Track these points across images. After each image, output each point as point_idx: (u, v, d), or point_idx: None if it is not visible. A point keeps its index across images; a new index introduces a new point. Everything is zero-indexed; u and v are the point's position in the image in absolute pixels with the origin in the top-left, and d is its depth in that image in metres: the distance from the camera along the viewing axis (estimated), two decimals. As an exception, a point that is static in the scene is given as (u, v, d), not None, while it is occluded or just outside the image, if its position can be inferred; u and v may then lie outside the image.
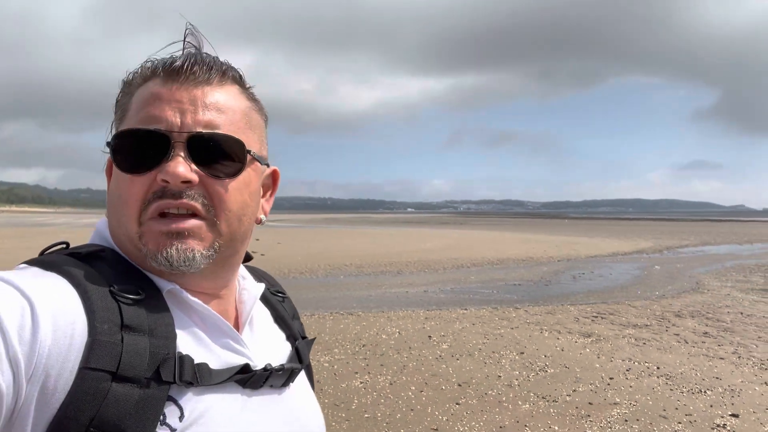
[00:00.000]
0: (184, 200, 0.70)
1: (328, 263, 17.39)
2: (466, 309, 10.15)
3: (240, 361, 0.74)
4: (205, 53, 0.77)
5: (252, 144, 0.76)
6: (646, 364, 6.51)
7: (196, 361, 0.69)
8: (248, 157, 0.75)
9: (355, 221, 78.54)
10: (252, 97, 0.80)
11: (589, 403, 5.21)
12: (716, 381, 5.94)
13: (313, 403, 0.88)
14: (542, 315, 9.58)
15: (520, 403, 5.20)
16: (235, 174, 0.73)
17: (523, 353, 6.94)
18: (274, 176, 0.86)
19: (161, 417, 0.64)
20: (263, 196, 0.84)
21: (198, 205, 0.70)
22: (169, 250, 0.69)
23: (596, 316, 9.48)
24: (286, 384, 0.81)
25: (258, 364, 0.76)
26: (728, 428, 4.68)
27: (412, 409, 5.01)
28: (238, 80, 0.78)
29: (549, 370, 6.21)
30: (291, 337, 0.90)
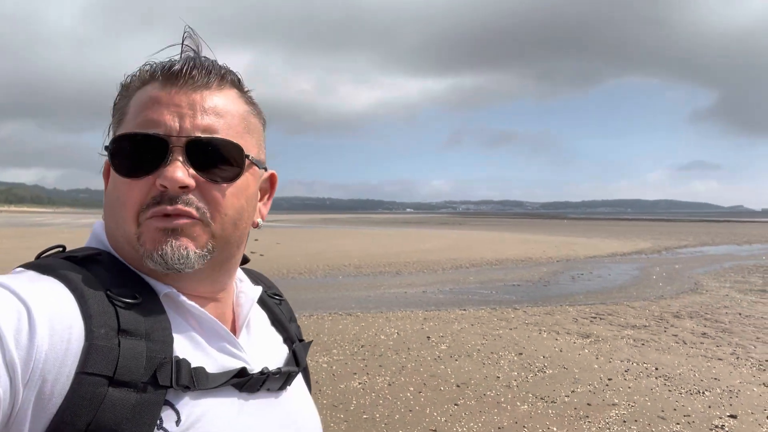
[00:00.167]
0: (179, 206, 0.70)
1: (327, 264, 17.39)
2: (464, 309, 10.15)
3: (237, 364, 0.74)
4: (204, 57, 0.77)
5: (250, 148, 0.76)
6: (645, 365, 6.52)
7: (193, 365, 0.69)
8: (246, 161, 0.75)
9: (353, 221, 78.55)
10: (250, 101, 0.80)
11: (588, 403, 5.21)
12: (714, 382, 5.94)
13: (310, 406, 0.88)
14: (541, 316, 9.59)
15: (518, 403, 5.20)
16: (233, 179, 0.73)
17: (521, 354, 6.94)
18: (271, 180, 0.86)
19: (158, 421, 0.64)
20: (261, 199, 0.84)
21: (192, 210, 0.71)
22: (164, 247, 0.69)
23: (595, 317, 9.49)
24: (283, 387, 0.81)
25: (255, 368, 0.76)
26: (726, 429, 4.69)
27: (410, 410, 5.01)
28: (237, 84, 0.78)
29: (547, 371, 6.22)
30: (288, 339, 0.89)
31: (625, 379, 5.96)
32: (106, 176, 0.79)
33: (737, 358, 6.95)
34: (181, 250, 0.70)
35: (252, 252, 18.22)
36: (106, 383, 0.61)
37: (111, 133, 0.77)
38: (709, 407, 5.18)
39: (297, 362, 0.85)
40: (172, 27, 0.80)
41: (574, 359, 6.74)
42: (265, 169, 0.82)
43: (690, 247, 28.80)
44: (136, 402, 0.62)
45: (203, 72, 0.74)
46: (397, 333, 8.02)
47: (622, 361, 6.66)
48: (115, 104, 0.78)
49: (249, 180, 0.76)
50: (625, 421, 4.79)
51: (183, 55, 0.76)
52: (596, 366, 6.46)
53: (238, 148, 0.73)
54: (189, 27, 0.78)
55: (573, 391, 5.54)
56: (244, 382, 0.74)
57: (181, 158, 0.70)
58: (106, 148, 0.74)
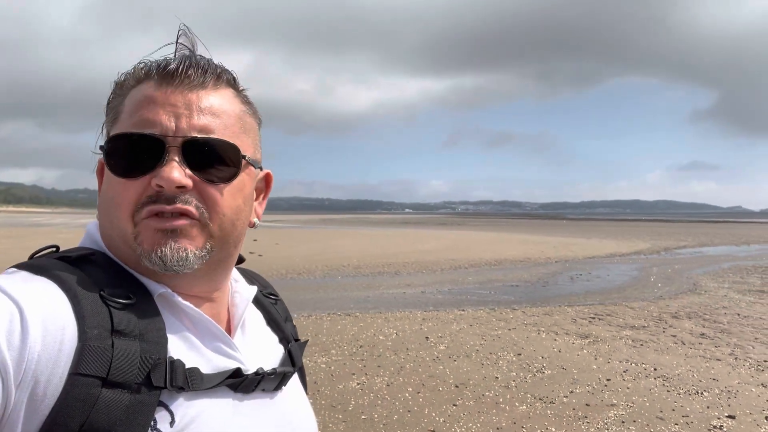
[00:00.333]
0: (178, 205, 0.69)
1: (326, 264, 17.38)
2: (463, 310, 10.15)
3: (232, 365, 0.73)
4: (200, 56, 0.76)
5: (246, 148, 0.76)
6: (643, 366, 6.52)
7: (188, 365, 0.68)
8: (243, 161, 0.75)
9: (352, 222, 78.55)
10: (246, 101, 0.79)
11: (586, 404, 5.21)
12: (713, 382, 5.95)
13: (306, 406, 0.87)
14: (540, 316, 9.59)
15: (517, 404, 5.20)
16: (229, 179, 0.73)
17: (520, 354, 6.94)
18: (267, 179, 0.86)
19: (152, 422, 0.63)
20: (256, 199, 0.83)
21: (192, 209, 0.70)
22: (163, 248, 0.69)
23: (593, 318, 9.49)
24: (278, 387, 0.80)
25: (250, 368, 0.75)
26: (724, 429, 4.69)
27: (409, 411, 5.01)
28: (232, 83, 0.78)
29: (546, 372, 6.22)
30: (284, 339, 0.89)
31: (624, 380, 5.96)
32: (100, 175, 0.78)
33: (735, 358, 6.96)
34: (181, 252, 0.69)
35: (251, 252, 18.26)
36: (100, 384, 0.61)
37: (105, 132, 0.77)
38: (708, 407, 5.18)
39: (293, 362, 0.85)
40: (172, 27, 0.79)
41: (573, 360, 6.74)
42: (261, 169, 0.82)
43: (689, 247, 28.84)
44: (129, 403, 0.62)
45: (199, 71, 0.73)
46: (396, 333, 8.02)
47: (620, 362, 6.66)
48: (108, 102, 0.77)
49: (245, 180, 0.76)
50: (623, 422, 4.79)
51: (178, 53, 0.76)
52: (595, 366, 6.46)
53: (234, 149, 0.73)
54: (184, 25, 0.78)
55: (572, 392, 5.54)
56: (239, 382, 0.73)
57: (177, 158, 0.70)
58: (102, 147, 0.74)
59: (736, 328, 8.86)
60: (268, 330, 0.89)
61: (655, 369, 6.39)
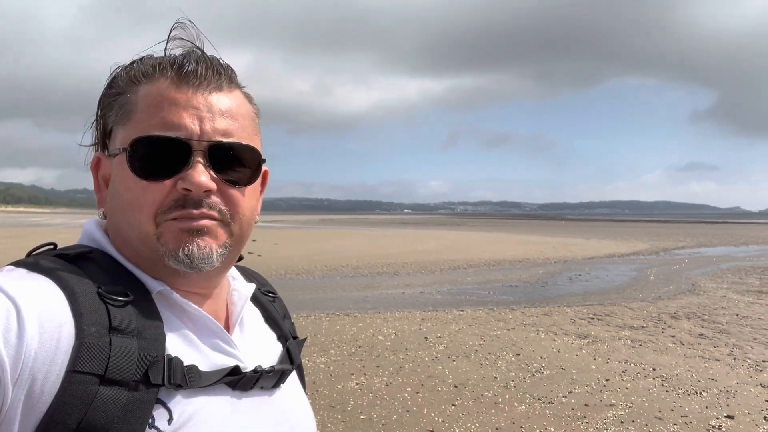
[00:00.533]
0: (204, 209, 0.71)
1: (325, 264, 17.38)
2: (462, 310, 10.15)
3: (230, 362, 0.73)
4: (211, 55, 0.76)
5: (260, 149, 0.78)
6: (642, 366, 6.52)
7: (186, 363, 0.68)
8: (260, 163, 0.77)
9: (351, 222, 78.55)
10: (252, 101, 0.81)
11: (585, 404, 5.21)
12: (712, 382, 5.95)
13: (305, 404, 0.87)
14: (539, 316, 9.59)
15: (516, 404, 5.20)
16: (250, 181, 0.76)
17: (519, 355, 6.94)
18: (263, 176, 0.86)
19: (150, 420, 0.63)
20: None
21: (215, 213, 0.72)
22: (190, 247, 0.70)
23: (592, 318, 9.49)
24: (276, 385, 0.80)
25: (248, 366, 0.75)
26: (723, 429, 4.69)
27: (408, 411, 5.00)
28: (239, 84, 0.79)
29: (545, 372, 6.22)
30: (282, 337, 0.89)
31: (623, 380, 5.96)
32: (96, 169, 0.78)
33: (734, 358, 6.96)
34: (207, 250, 0.71)
35: (250, 252, 18.27)
36: (97, 382, 0.61)
37: (100, 127, 0.77)
38: (706, 408, 5.18)
39: (291, 360, 0.85)
40: (170, 27, 0.79)
41: (572, 360, 6.74)
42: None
43: (687, 248, 28.86)
44: (127, 401, 0.62)
45: (214, 72, 0.74)
46: (395, 333, 8.02)
47: (619, 362, 6.66)
48: (108, 93, 0.76)
49: (258, 180, 0.79)
50: (622, 422, 4.79)
51: (190, 51, 0.75)
52: (594, 367, 6.46)
53: (254, 151, 0.76)
54: (187, 18, 0.77)
55: (570, 392, 5.54)
56: (237, 380, 0.73)
57: (203, 162, 0.71)
58: (125, 150, 0.71)
59: (734, 328, 8.86)
60: (266, 327, 0.89)
61: (653, 369, 6.39)
